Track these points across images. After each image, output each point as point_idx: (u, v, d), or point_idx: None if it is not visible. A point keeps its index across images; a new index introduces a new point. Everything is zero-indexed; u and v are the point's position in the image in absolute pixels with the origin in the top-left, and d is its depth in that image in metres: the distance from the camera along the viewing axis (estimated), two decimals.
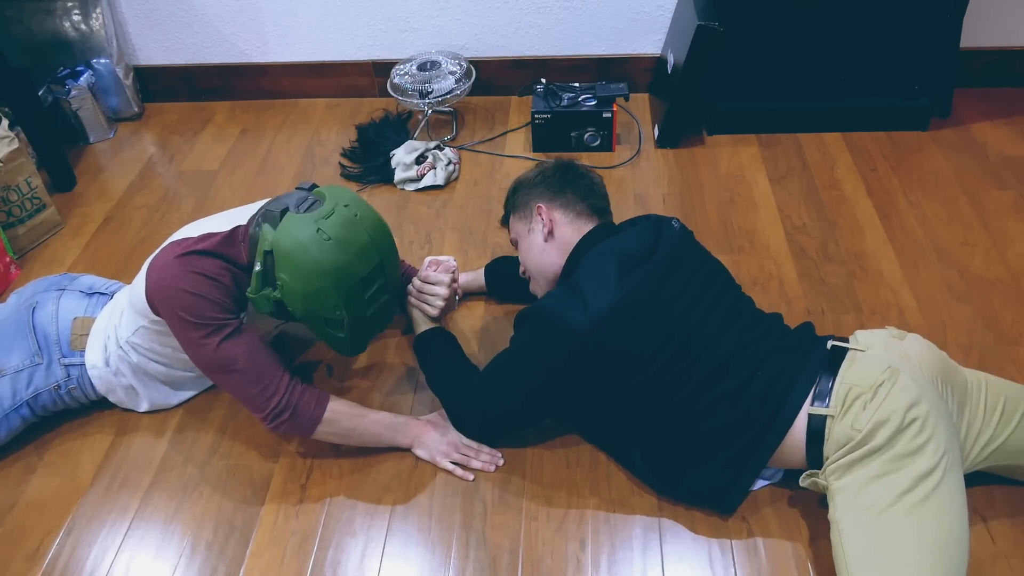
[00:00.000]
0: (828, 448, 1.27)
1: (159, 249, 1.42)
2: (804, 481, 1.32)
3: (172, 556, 1.41)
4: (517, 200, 1.57)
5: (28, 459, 1.58)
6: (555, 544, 1.38)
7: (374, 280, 1.39)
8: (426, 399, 1.64)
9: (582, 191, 1.52)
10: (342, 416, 1.45)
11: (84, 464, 1.56)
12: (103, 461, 1.57)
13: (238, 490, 1.50)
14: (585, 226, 1.49)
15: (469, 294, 1.86)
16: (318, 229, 1.31)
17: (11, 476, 1.55)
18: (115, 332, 1.54)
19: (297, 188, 1.40)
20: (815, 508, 1.41)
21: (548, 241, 1.50)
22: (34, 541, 1.44)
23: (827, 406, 1.27)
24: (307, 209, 1.34)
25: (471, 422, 1.48)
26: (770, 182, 2.18)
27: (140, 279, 1.42)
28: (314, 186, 1.40)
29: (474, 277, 1.84)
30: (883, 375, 1.26)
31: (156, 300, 1.38)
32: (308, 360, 1.74)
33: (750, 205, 2.10)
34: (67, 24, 2.47)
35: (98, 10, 2.46)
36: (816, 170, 2.22)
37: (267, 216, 1.35)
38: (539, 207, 1.51)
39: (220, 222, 1.45)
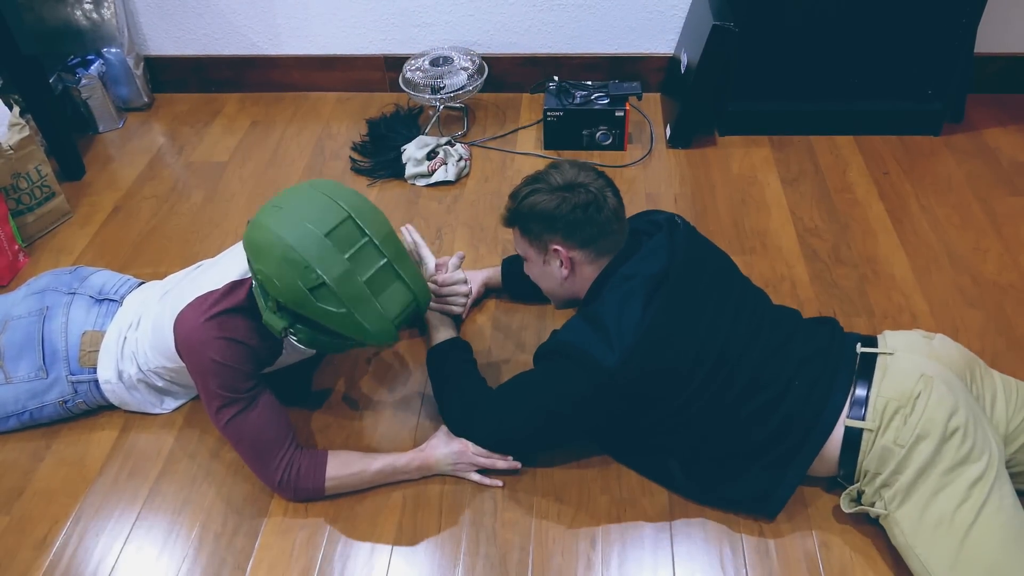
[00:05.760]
0: (868, 463, 1.28)
1: (185, 304, 1.38)
2: (850, 508, 1.32)
3: (180, 547, 1.40)
4: (529, 226, 1.40)
5: (36, 448, 1.57)
6: (566, 542, 1.38)
7: (350, 239, 1.24)
8: (433, 405, 1.63)
9: (601, 229, 1.36)
10: (342, 479, 1.43)
11: (92, 453, 1.56)
12: (111, 451, 1.56)
13: (247, 482, 1.49)
14: (604, 260, 1.40)
15: (489, 291, 1.84)
16: (270, 206, 1.27)
17: (19, 465, 1.54)
18: (134, 357, 1.53)
19: None
20: (826, 508, 1.40)
21: (568, 279, 1.42)
22: (41, 530, 1.44)
23: (864, 419, 1.28)
24: None
25: (483, 436, 1.44)
26: (782, 184, 2.17)
27: (166, 331, 1.40)
28: None
29: (492, 274, 1.81)
30: (918, 385, 1.27)
31: (185, 358, 1.38)
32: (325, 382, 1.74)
33: (762, 206, 2.10)
34: (78, 13, 2.46)
35: None
36: (828, 173, 2.21)
37: None
38: (556, 249, 1.38)
39: (239, 264, 1.41)
